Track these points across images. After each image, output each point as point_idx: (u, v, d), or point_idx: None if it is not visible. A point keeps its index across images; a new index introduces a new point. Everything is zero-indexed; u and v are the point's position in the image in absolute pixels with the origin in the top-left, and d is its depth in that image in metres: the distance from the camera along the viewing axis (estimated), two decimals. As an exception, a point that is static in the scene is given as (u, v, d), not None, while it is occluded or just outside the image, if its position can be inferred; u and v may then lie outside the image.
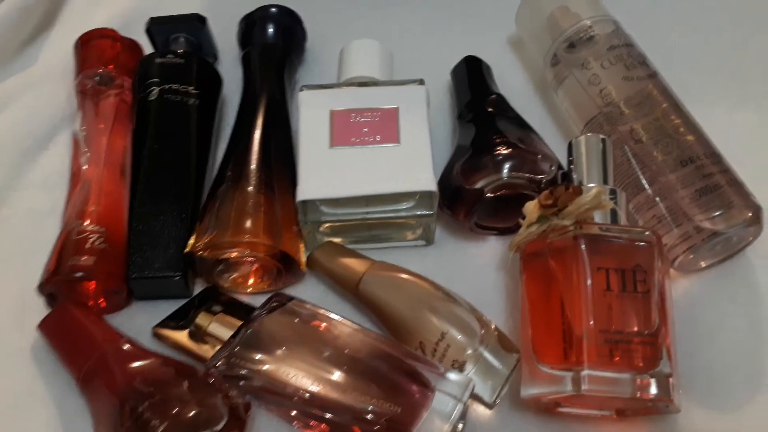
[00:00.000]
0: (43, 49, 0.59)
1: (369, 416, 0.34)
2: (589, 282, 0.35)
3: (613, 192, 0.40)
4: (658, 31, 0.54)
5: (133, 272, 0.41)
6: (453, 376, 0.36)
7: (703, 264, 0.43)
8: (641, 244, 0.37)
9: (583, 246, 0.36)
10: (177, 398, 0.34)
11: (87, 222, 0.42)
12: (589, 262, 0.36)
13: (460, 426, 0.37)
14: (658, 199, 0.42)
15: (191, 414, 0.33)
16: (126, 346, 0.38)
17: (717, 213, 0.40)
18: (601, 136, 0.42)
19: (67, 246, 0.41)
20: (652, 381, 0.34)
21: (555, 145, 0.46)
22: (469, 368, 0.38)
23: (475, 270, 0.44)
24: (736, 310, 0.41)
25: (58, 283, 0.41)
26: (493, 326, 0.39)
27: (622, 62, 0.46)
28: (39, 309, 0.41)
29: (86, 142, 0.47)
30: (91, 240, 0.41)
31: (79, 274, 0.40)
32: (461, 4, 0.59)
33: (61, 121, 0.53)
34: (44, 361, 0.41)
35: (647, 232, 0.37)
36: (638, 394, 0.33)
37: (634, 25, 0.48)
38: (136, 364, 0.37)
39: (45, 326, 0.40)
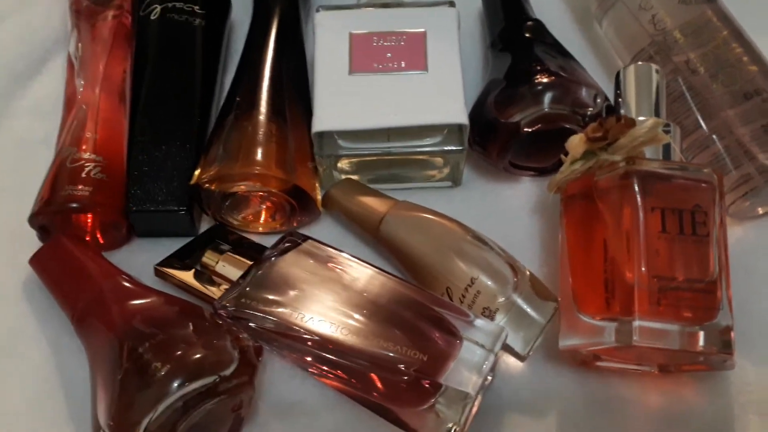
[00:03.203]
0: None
1: (391, 364, 0.31)
2: (641, 222, 0.32)
3: (667, 125, 0.36)
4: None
5: (133, 205, 0.39)
6: (484, 324, 0.33)
7: (760, 211, 0.40)
8: (701, 182, 0.33)
9: (636, 183, 0.32)
10: (181, 339, 0.31)
11: (83, 149, 0.39)
12: (643, 202, 0.32)
13: (490, 378, 0.34)
14: (715, 137, 0.38)
15: (197, 356, 0.30)
16: (125, 283, 0.35)
17: (784, 152, 0.36)
18: (654, 66, 0.38)
19: (62, 174, 0.39)
20: (701, 333, 0.31)
21: (598, 81, 0.41)
22: (501, 317, 0.35)
23: (507, 214, 0.42)
24: (795, 261, 0.38)
25: (52, 215, 0.38)
26: (527, 273, 0.36)
27: (678, -16, 0.41)
28: (31, 243, 0.39)
29: (82, 66, 0.44)
30: (88, 169, 0.39)
31: (74, 205, 0.38)
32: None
33: (55, 44, 0.50)
34: (37, 298, 0.39)
35: (706, 170, 0.33)
36: (692, 347, 0.30)
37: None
38: (136, 301, 0.34)
39: (37, 261, 0.37)
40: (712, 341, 0.31)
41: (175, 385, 0.29)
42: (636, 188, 0.32)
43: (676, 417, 0.34)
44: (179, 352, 0.30)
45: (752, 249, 0.39)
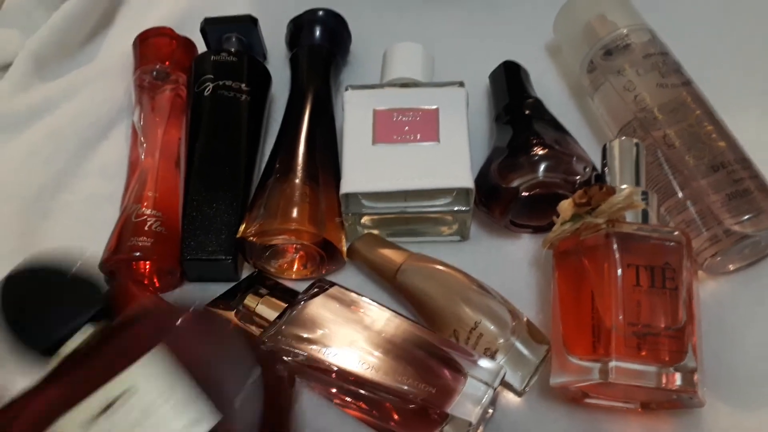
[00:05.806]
0: (102, 47, 0.62)
1: (404, 395, 0.36)
2: (619, 277, 0.37)
3: (644, 193, 0.41)
4: (693, 39, 0.54)
5: (187, 254, 0.44)
6: (485, 363, 0.38)
7: (731, 267, 0.44)
8: (671, 243, 0.38)
9: (614, 243, 0.38)
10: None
11: (145, 206, 0.45)
12: (620, 259, 0.37)
13: (491, 411, 0.39)
14: (689, 203, 0.43)
15: None
16: (180, 321, 0.41)
17: (746, 217, 0.41)
18: (635, 140, 0.43)
19: (127, 228, 0.44)
20: (677, 374, 0.35)
21: (590, 149, 0.47)
22: (501, 357, 0.39)
23: (508, 266, 0.46)
24: (763, 312, 0.42)
25: (118, 262, 0.44)
26: (524, 318, 0.41)
27: (656, 70, 0.47)
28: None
29: (143, 133, 0.50)
30: (149, 223, 0.44)
31: (138, 254, 0.43)
32: (501, 11, 0.61)
33: (119, 113, 0.56)
34: (105, 332, 0.44)
35: (677, 232, 0.38)
36: (663, 384, 0.35)
37: (670, 34, 0.50)
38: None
39: (106, 301, 0.43)
40: (685, 380, 0.35)
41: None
42: (615, 247, 0.37)
43: (656, 450, 0.38)
44: None
45: (724, 302, 0.42)
